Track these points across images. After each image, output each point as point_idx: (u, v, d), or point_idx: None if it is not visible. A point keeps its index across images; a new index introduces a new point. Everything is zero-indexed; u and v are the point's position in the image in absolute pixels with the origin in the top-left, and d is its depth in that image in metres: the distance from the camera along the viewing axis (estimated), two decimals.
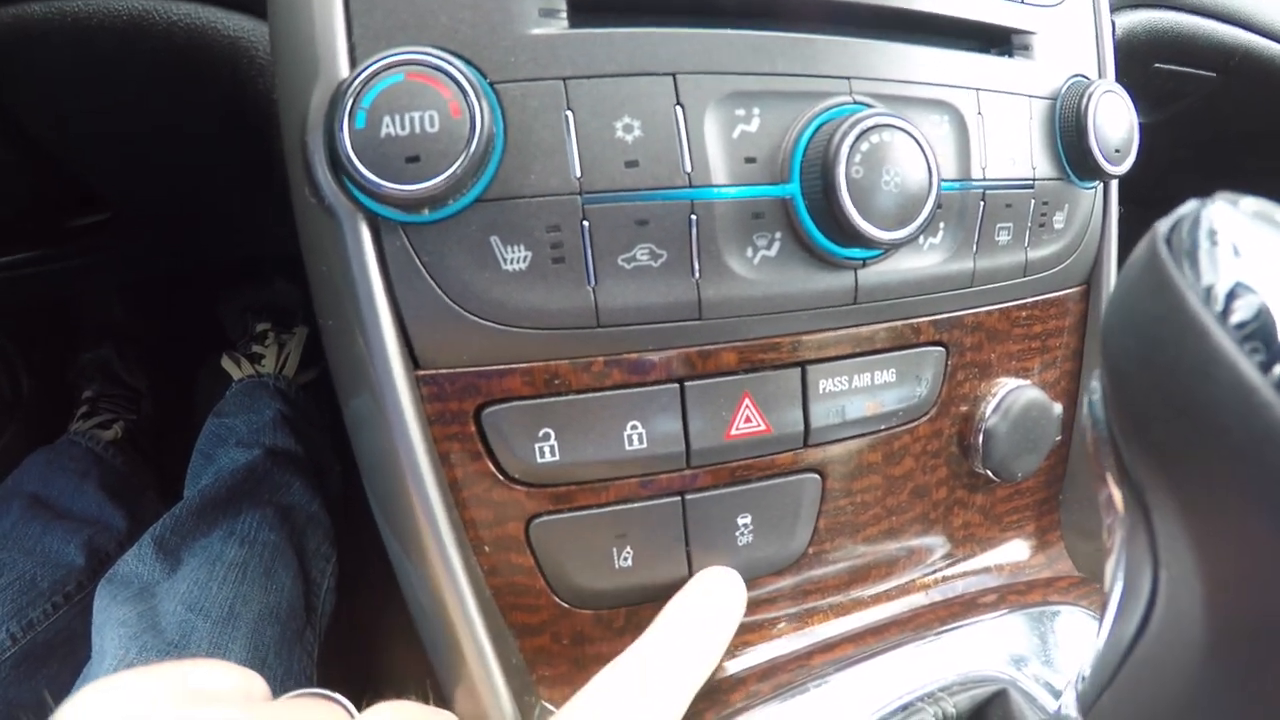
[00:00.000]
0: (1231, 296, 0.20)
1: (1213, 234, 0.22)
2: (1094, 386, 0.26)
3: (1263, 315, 0.19)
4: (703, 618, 0.45)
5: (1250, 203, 0.22)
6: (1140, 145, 0.57)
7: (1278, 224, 0.21)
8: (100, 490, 1.35)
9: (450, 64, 0.36)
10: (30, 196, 0.83)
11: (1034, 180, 0.53)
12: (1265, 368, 0.19)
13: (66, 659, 1.10)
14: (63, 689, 0.96)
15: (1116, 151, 0.55)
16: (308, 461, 1.34)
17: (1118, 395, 0.24)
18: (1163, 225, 0.23)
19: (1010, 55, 0.53)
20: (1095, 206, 0.59)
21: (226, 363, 1.58)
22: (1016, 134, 0.52)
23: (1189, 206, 0.23)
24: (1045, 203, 0.54)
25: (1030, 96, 0.53)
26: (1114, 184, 0.61)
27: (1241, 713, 0.23)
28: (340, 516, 1.27)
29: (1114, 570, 0.27)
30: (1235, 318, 0.20)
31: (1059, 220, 0.56)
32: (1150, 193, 1.35)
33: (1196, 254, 0.21)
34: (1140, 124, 0.73)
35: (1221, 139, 1.16)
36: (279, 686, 0.96)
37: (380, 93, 0.35)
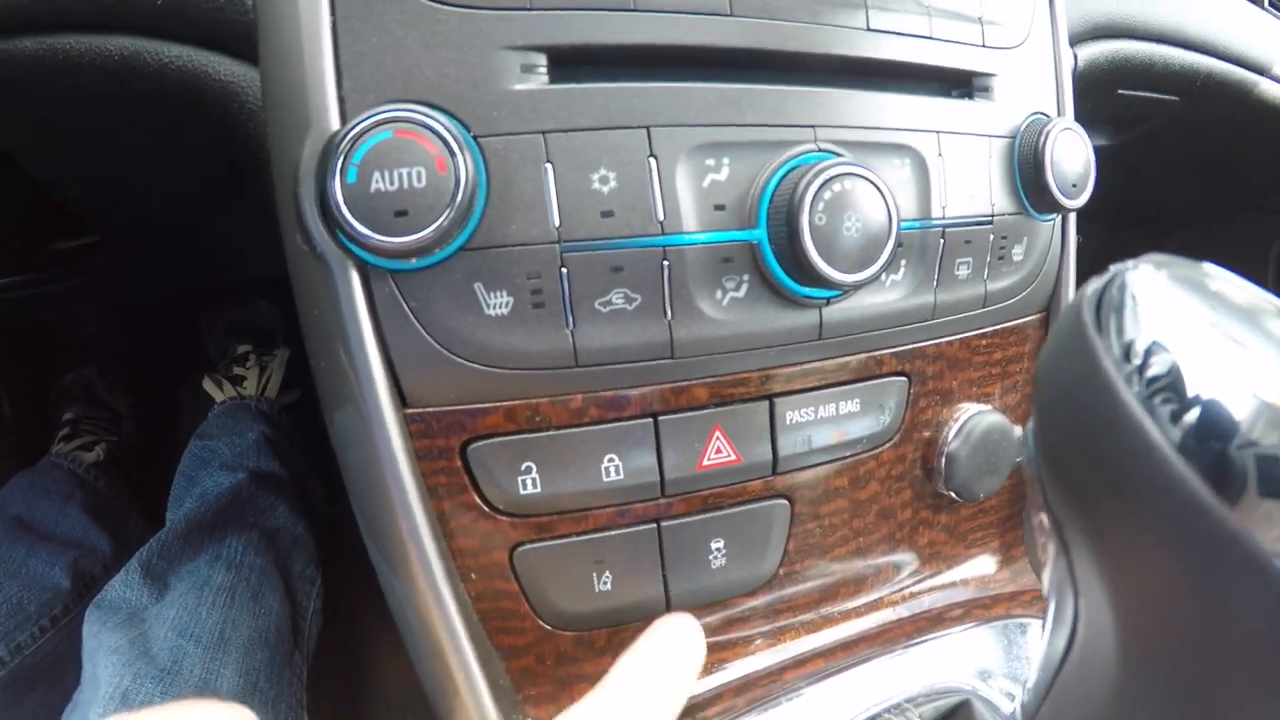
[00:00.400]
0: (1148, 354, 0.23)
1: (1134, 297, 0.24)
2: (1031, 424, 0.29)
3: (1174, 372, 0.22)
4: (660, 673, 0.41)
5: (1173, 266, 0.25)
6: (1110, 165, 0.60)
7: (1196, 286, 0.24)
8: (84, 513, 1.37)
9: (436, 121, 0.39)
10: (17, 219, 0.85)
11: (993, 216, 0.56)
12: (1176, 417, 0.21)
13: (54, 684, 1.12)
14: (51, 713, 0.99)
15: (1074, 186, 0.58)
16: (291, 484, 1.36)
17: (1043, 441, 0.27)
18: (1091, 286, 0.26)
19: (971, 97, 0.56)
20: (1054, 237, 0.62)
21: (208, 384, 1.61)
22: (976, 173, 0.55)
23: (1115, 269, 0.26)
24: (1004, 237, 0.57)
25: (990, 136, 0.56)
26: (1072, 215, 0.64)
27: None
28: (324, 538, 1.30)
29: (1048, 590, 0.30)
30: (1150, 372, 0.22)
31: (1018, 253, 0.59)
32: (1119, 212, 1.39)
33: (1122, 313, 0.24)
34: (1108, 145, 0.75)
35: (1188, 160, 1.20)
36: (271, 710, 0.98)
37: (370, 149, 0.38)
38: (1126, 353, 0.23)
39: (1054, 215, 0.60)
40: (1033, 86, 0.60)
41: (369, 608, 1.11)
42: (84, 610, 1.12)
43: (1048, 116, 0.59)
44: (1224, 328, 0.23)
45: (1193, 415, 0.21)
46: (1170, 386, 0.22)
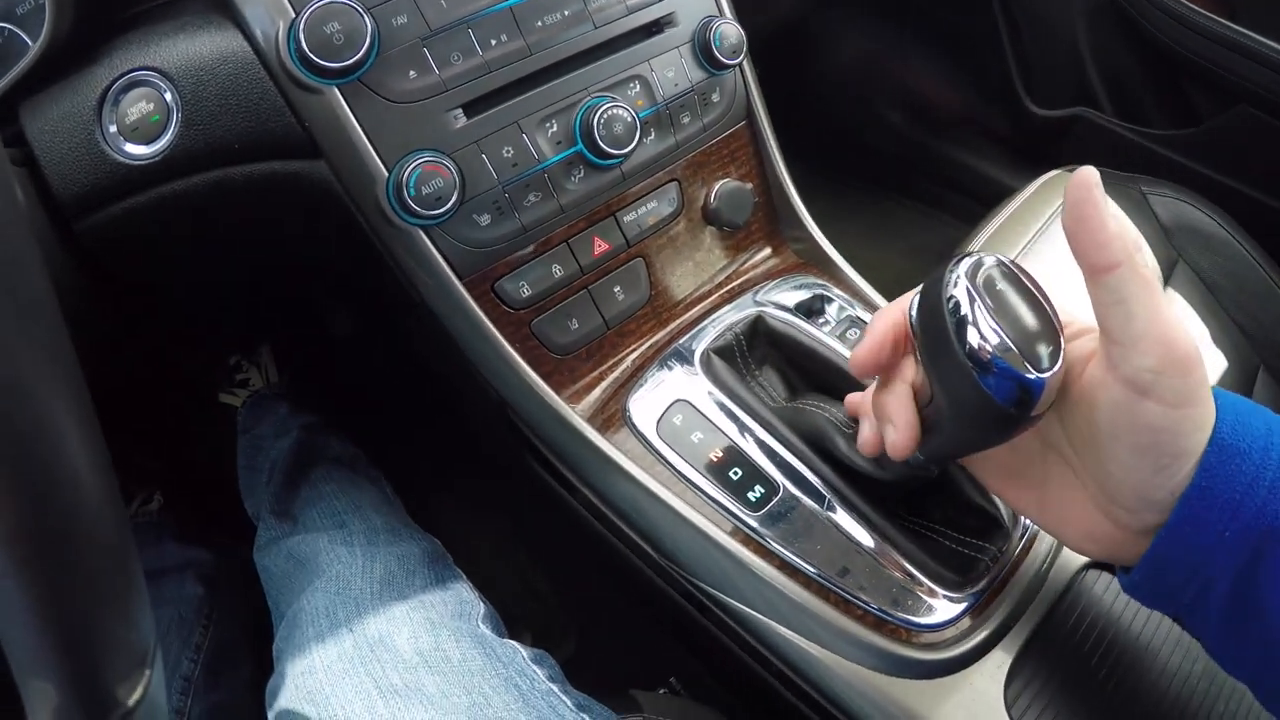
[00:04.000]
0: (952, 299, 0.72)
1: (952, 276, 0.75)
2: (913, 313, 0.68)
3: (962, 312, 0.69)
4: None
5: (970, 263, 0.64)
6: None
7: (973, 271, 0.65)
8: (175, 543, 1.61)
9: (432, 154, 0.95)
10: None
11: (692, 86, 1.12)
12: (958, 326, 0.63)
13: (235, 667, 1.46)
14: (237, 689, 1.42)
15: (733, 52, 1.13)
16: (329, 426, 1.76)
17: (918, 325, 0.82)
18: (949, 266, 0.77)
19: (663, 31, 1.10)
20: (737, 81, 1.19)
21: (225, 397, 1.91)
22: (677, 68, 1.10)
23: (954, 263, 0.74)
24: (703, 93, 1.14)
25: (678, 46, 1.12)
26: (745, 64, 1.19)
27: None
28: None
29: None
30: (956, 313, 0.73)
31: (715, 97, 1.15)
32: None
33: (943, 282, 0.70)
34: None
35: None
36: (411, 529, 1.45)
37: (417, 176, 0.94)
38: (948, 301, 0.63)
39: (728, 71, 1.17)
40: (699, 6, 1.13)
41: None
42: (221, 601, 1.49)
43: (712, 17, 1.14)
44: (980, 299, 0.61)
45: (956, 324, 0.63)
46: (953, 308, 0.62)
